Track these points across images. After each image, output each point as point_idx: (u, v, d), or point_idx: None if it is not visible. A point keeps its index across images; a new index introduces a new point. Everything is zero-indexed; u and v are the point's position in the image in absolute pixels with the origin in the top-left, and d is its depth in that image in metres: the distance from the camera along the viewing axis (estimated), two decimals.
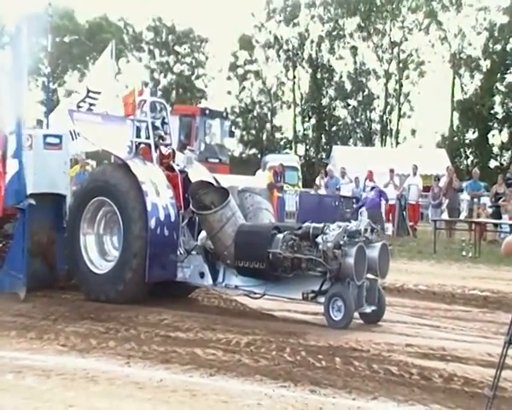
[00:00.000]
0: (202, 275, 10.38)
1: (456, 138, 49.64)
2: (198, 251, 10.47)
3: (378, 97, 54.01)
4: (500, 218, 21.41)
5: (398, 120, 52.89)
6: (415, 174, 24.52)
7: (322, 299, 9.38)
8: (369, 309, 9.51)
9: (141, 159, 10.78)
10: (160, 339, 8.35)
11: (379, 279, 9.78)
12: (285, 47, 55.40)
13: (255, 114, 58.23)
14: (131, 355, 7.56)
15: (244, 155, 55.98)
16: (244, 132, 57.92)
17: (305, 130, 56.31)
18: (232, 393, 6.40)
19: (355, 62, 54.14)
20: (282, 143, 57.24)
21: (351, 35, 53.73)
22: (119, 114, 12.78)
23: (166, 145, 11.24)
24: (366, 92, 54.10)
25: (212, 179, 11.14)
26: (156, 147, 10.97)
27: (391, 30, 52.42)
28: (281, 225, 10.78)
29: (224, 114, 33.01)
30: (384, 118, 53.32)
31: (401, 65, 52.04)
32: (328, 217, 13.64)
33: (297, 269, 9.64)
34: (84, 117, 12.50)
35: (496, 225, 21.39)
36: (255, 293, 10.16)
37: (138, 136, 10.99)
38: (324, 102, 55.47)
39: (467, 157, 49.53)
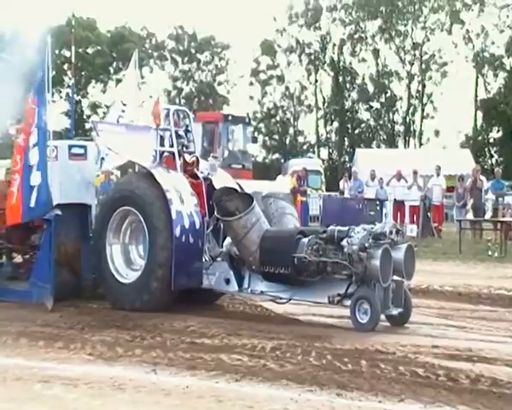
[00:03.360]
0: (228, 281, 10.37)
1: (480, 138, 49.33)
2: (223, 258, 10.48)
3: (401, 99, 53.84)
4: None
5: (422, 121, 52.68)
6: (438, 175, 24.43)
7: (348, 302, 9.36)
8: (395, 311, 9.47)
9: (165, 167, 10.82)
10: (186, 346, 8.38)
11: (405, 281, 9.73)
12: (307, 51, 55.40)
13: (278, 118, 58.27)
14: (158, 362, 7.59)
15: (267, 160, 56.02)
16: (267, 138, 57.98)
17: (327, 133, 56.25)
18: (258, 398, 6.41)
19: (377, 64, 54.02)
20: (304, 147, 57.20)
21: (372, 37, 53.61)
22: (143, 123, 12.85)
23: (190, 153, 11.29)
24: (389, 94, 53.94)
25: (236, 186, 11.17)
26: (180, 155, 11.01)
27: (413, 31, 52.23)
28: (305, 229, 10.78)
29: (247, 120, 33.07)
30: (407, 119, 53.13)
31: (423, 66, 51.81)
32: (352, 220, 13.64)
33: (322, 273, 9.62)
34: (108, 128, 12.53)
35: None
36: (281, 298, 10.15)
37: (162, 144, 11.04)
38: (347, 104, 55.39)
39: (491, 156, 49.20)
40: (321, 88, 55.67)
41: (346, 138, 55.62)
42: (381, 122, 54.45)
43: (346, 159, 52.09)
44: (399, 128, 54.14)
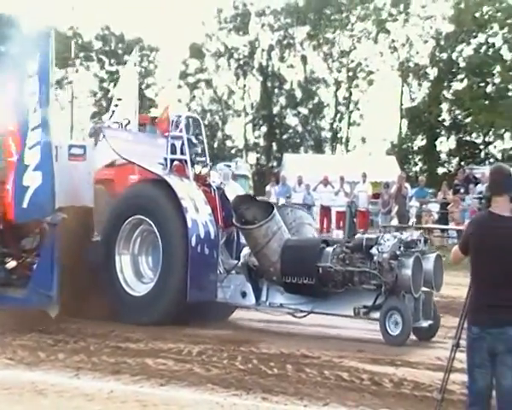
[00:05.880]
0: (244, 294, 9.94)
1: (405, 146, 50.21)
2: (239, 270, 10.07)
3: (328, 105, 54.42)
4: (447, 223, 21.75)
5: (348, 128, 53.33)
6: (364, 181, 24.77)
7: (375, 314, 9.01)
8: (425, 324, 9.14)
9: (177, 175, 10.40)
10: (110, 350, 8.28)
11: (434, 292, 9.43)
12: (235, 56, 55.53)
13: (206, 122, 58.17)
14: (81, 367, 7.48)
15: None
16: None
17: (255, 138, 56.46)
18: (183, 403, 6.38)
19: (305, 71, 54.50)
20: (232, 151, 57.26)
21: (301, 44, 54.07)
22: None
23: (202, 162, 10.86)
24: (316, 100, 54.45)
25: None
26: (193, 164, 10.60)
27: (340, 38, 52.88)
28: (329, 238, 10.40)
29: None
30: (334, 126, 53.71)
31: (350, 73, 52.51)
32: None
33: (348, 283, 9.22)
34: (116, 134, 11.82)
35: (443, 230, 21.72)
36: (301, 311, 9.68)
37: (173, 152, 10.60)
38: (275, 110, 55.69)
39: (415, 164, 50.15)
40: (249, 93, 55.84)
41: (273, 143, 55.90)
42: (309, 128, 54.94)
43: (274, 164, 52.34)
44: (326, 134, 54.72)
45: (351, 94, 53.15)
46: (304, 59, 54.50)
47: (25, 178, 9.86)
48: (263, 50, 55.82)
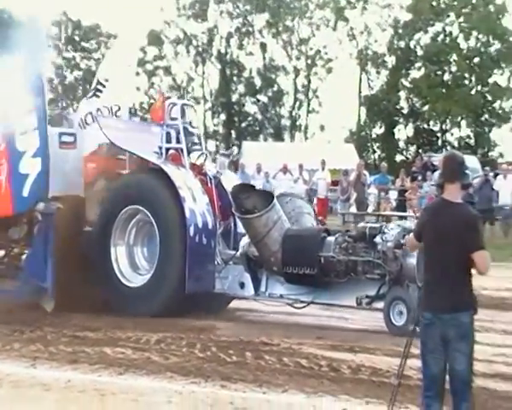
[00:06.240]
0: (243, 285, 9.79)
1: (363, 133, 50.53)
2: (237, 260, 9.91)
3: (287, 93, 54.50)
4: (405, 210, 21.93)
5: (307, 116, 53.49)
6: (323, 169, 24.88)
7: (378, 304, 8.90)
8: None
9: (173, 164, 10.19)
10: (68, 339, 8.21)
11: None
12: (194, 43, 55.26)
13: None
14: (37, 357, 7.41)
15: None
16: None
17: (215, 126, 56.33)
18: (141, 391, 6.36)
19: (264, 58, 54.47)
20: None
21: (260, 31, 54.01)
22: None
23: (198, 150, 10.65)
24: (275, 88, 54.49)
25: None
26: (189, 152, 10.38)
27: (299, 26, 52.93)
28: (330, 228, 10.28)
29: (133, 110, 32.61)
30: (293, 113, 53.82)
31: (309, 61, 52.62)
32: None
33: (351, 273, 9.10)
34: (111, 123, 11.40)
35: (401, 217, 21.88)
36: (302, 301, 9.49)
37: (168, 141, 10.40)
38: (234, 97, 55.61)
39: (374, 152, 50.52)
40: (208, 80, 55.66)
41: (233, 131, 55.86)
42: (268, 116, 54.96)
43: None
44: (286, 122, 54.80)
45: (310, 82, 53.26)
46: (263, 46, 54.44)
47: (21, 166, 9.64)
48: (222, 38, 55.61)
